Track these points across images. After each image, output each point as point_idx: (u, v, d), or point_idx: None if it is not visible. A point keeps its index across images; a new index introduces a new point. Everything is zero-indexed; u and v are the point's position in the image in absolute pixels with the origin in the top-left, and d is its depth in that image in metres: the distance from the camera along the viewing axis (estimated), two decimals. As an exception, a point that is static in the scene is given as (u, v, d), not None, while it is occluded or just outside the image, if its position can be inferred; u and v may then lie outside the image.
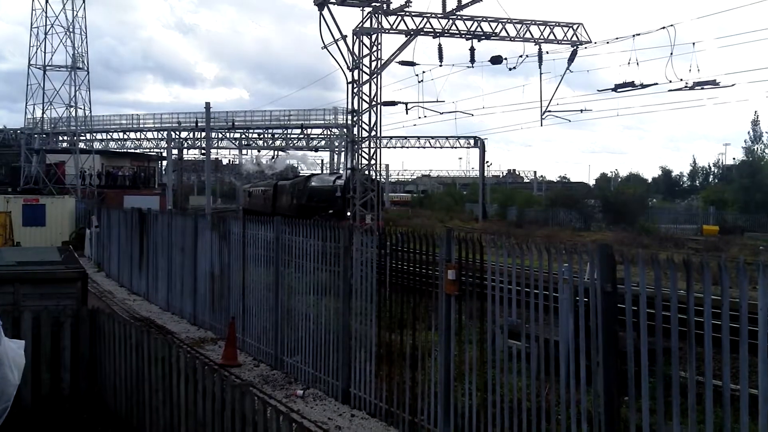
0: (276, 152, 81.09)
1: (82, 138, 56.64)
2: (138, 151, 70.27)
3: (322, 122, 68.22)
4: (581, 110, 31.46)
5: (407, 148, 69.65)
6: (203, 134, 57.88)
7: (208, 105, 50.48)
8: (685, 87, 26.14)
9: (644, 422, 5.98)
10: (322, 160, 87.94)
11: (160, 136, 70.10)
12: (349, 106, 26.31)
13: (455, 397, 8.35)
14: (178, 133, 67.54)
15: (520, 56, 30.80)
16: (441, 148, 68.13)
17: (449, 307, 8.49)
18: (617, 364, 6.36)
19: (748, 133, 78.44)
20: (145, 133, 72.33)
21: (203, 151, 62.45)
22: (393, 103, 35.73)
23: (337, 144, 68.33)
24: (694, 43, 26.60)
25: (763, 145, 76.35)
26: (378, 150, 26.19)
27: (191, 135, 68.83)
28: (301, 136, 68.94)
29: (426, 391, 8.80)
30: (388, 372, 9.58)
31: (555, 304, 7.09)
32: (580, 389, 6.64)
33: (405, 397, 9.15)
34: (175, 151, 68.76)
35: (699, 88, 26.01)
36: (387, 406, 9.52)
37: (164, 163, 69.24)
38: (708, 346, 5.47)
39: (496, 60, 30.11)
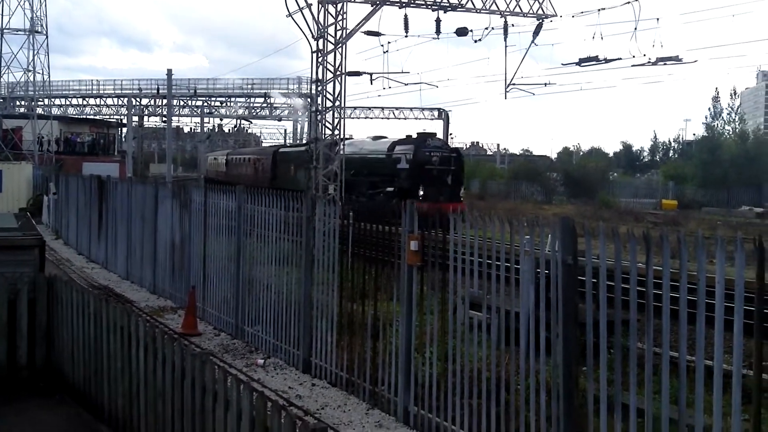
0: (239, 121, 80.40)
1: (39, 103, 55.57)
2: (97, 117, 69.14)
3: (286, 91, 67.64)
4: (545, 84, 31.54)
5: (371, 118, 69.41)
6: (164, 101, 57.11)
7: (169, 72, 49.83)
8: (648, 62, 26.27)
9: (602, 392, 6.05)
10: (285, 130, 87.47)
11: (120, 103, 68.97)
12: (314, 76, 26.06)
13: (416, 366, 8.39)
14: (138, 99, 66.53)
15: (486, 28, 30.72)
16: (405, 119, 67.94)
17: (411, 277, 8.51)
18: (576, 336, 6.42)
19: (709, 109, 79.31)
20: (104, 99, 71.11)
21: (164, 119, 61.73)
22: (358, 74, 35.50)
23: (300, 114, 67.86)
24: (658, 19, 26.60)
25: (723, 121, 77.29)
26: (342, 120, 26.00)
27: (152, 102, 67.84)
28: (265, 105, 68.35)
29: (387, 360, 8.83)
30: (350, 342, 9.59)
31: (516, 276, 7.13)
32: (539, 360, 6.70)
33: (366, 366, 9.17)
34: (135, 118, 67.83)
35: (662, 63, 26.17)
36: (348, 375, 9.55)
37: (124, 130, 68.26)
38: (666, 318, 5.53)
39: (462, 32, 29.98)
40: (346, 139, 39.83)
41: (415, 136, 35.85)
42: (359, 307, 9.47)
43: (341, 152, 37.27)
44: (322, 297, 10.19)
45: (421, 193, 31.02)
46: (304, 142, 47.44)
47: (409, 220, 8.51)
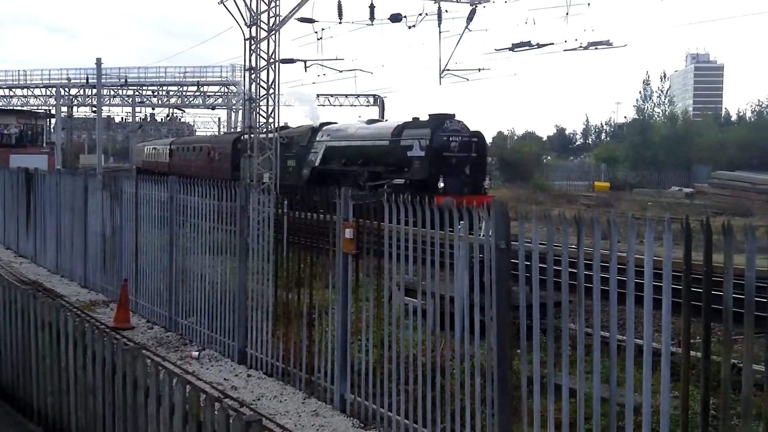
0: (171, 110, 79.11)
1: (-37, 94, 53.88)
2: (25, 108, 67.34)
3: (219, 79, 66.82)
4: (479, 69, 31.71)
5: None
6: (94, 91, 55.85)
7: (99, 61, 48.76)
8: (580, 47, 26.63)
9: (535, 374, 6.11)
10: (219, 119, 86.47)
11: (48, 93, 67.26)
12: (247, 64, 25.75)
13: (352, 354, 8.37)
14: (67, 89, 64.98)
15: (420, 14, 30.74)
16: (341, 106, 67.77)
17: (347, 265, 8.47)
18: (510, 319, 6.46)
19: (639, 92, 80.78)
20: (32, 89, 69.29)
21: (94, 109, 60.37)
22: (291, 61, 35.24)
23: (234, 102, 67.13)
24: (588, 3, 26.95)
25: (653, 104, 78.85)
26: (276, 108, 25.78)
27: (81, 92, 66.33)
28: (198, 93, 67.40)
29: (323, 349, 8.80)
30: (285, 331, 9.52)
31: (451, 261, 7.15)
32: (474, 344, 6.74)
33: (302, 355, 9.12)
34: (64, 109, 66.28)
35: (593, 48, 26.55)
36: (284, 365, 9.48)
37: (53, 121, 66.65)
38: (596, 299, 5.60)
39: (396, 18, 29.94)
40: (327, 124, 34.77)
41: (411, 119, 30.51)
42: (295, 295, 9.40)
43: (322, 139, 32.58)
44: (257, 286, 10.10)
45: (442, 185, 26.49)
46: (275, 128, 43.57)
47: (344, 207, 8.47)
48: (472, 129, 28.63)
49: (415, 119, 30.43)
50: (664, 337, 5.10)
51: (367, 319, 8.16)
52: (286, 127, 38.08)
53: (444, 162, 27.24)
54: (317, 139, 33.74)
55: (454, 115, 29.15)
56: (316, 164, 32.84)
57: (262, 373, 9.82)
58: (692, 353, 5.13)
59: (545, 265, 6.01)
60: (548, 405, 5.91)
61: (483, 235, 6.63)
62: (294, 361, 9.28)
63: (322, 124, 35.16)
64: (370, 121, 34.18)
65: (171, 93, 68.98)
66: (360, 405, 8.16)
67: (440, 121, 28.43)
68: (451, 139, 27.82)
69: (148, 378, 5.53)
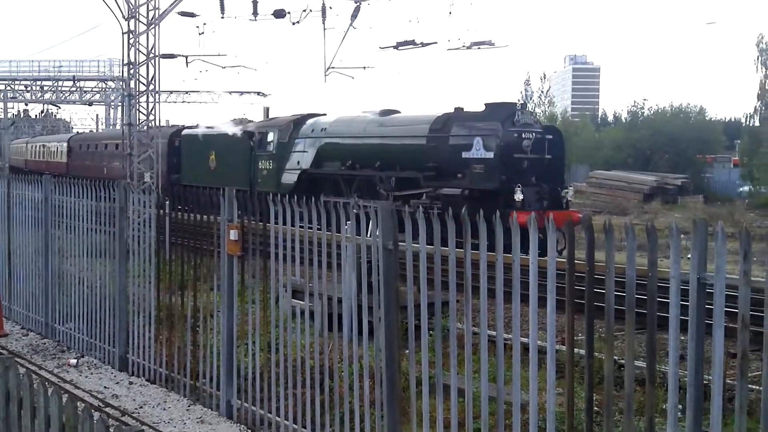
0: (46, 106, 76.06)
1: None
2: None
3: (97, 75, 64.65)
4: (364, 67, 31.79)
5: (188, 103, 67.68)
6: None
7: (-34, 53, 46.37)
8: (463, 46, 27.05)
9: (424, 374, 6.11)
10: (97, 115, 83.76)
11: None
12: (125, 59, 24.99)
13: (238, 358, 8.21)
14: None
15: (304, 11, 30.57)
16: (225, 103, 66.75)
17: (232, 267, 8.30)
18: (398, 319, 6.46)
19: (521, 92, 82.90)
20: None
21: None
22: (172, 56, 34.45)
23: (113, 98, 65.14)
24: (471, 2, 27.44)
25: (534, 104, 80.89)
26: (156, 104, 25.12)
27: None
28: (74, 89, 65.04)
29: (208, 354, 8.59)
30: (169, 336, 9.25)
31: (338, 262, 7.09)
32: (362, 345, 6.70)
33: (186, 361, 8.88)
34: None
35: (476, 47, 27.01)
36: (167, 371, 9.20)
37: None
38: (483, 298, 5.64)
39: (279, 14, 29.67)
40: (312, 116, 28.34)
41: (454, 109, 23.51)
42: (178, 299, 9.15)
43: (313, 135, 25.85)
44: (138, 290, 9.79)
45: (520, 197, 20.24)
46: (234, 119, 34.18)
47: (228, 208, 8.29)
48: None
49: (458, 109, 23.89)
50: (549, 336, 5.18)
51: (253, 322, 8.01)
52: (244, 120, 32.79)
53: (516, 166, 21.11)
54: (303, 134, 27.18)
55: (525, 104, 23.59)
56: (307, 167, 26.26)
57: (145, 380, 9.51)
58: (576, 350, 5.23)
59: (432, 265, 6.02)
60: (437, 405, 5.92)
61: (370, 237, 6.60)
62: (178, 367, 9.03)
63: (306, 116, 28.58)
64: (385, 112, 26.65)
65: (45, 88, 66.30)
66: (247, 410, 7.99)
67: (508, 112, 21.85)
68: (523, 135, 21.48)
69: (21, 389, 5.24)
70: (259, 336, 7.91)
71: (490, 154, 21.09)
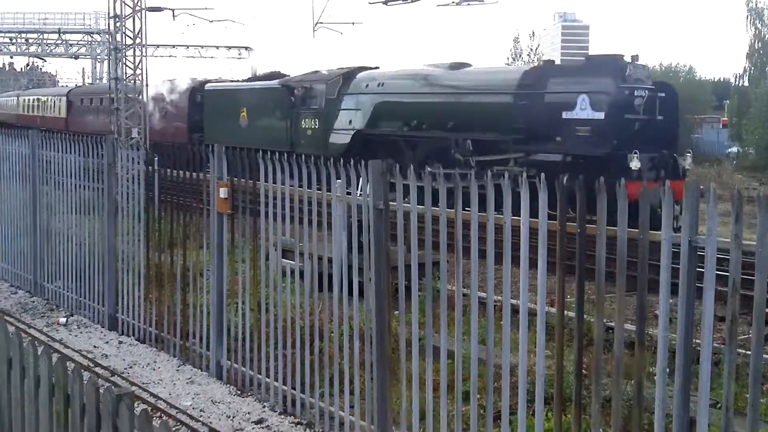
0: (31, 59, 75.07)
1: None
2: None
3: (83, 27, 63.74)
4: (353, 23, 31.52)
5: (175, 57, 66.92)
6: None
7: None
8: (453, 2, 26.77)
9: (413, 335, 6.13)
10: (83, 69, 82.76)
11: None
12: (111, 12, 24.65)
13: (228, 318, 8.20)
14: None
15: (293, -36, 30.07)
16: (212, 58, 66.04)
17: (221, 225, 8.26)
18: (389, 280, 6.45)
19: (510, 49, 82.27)
20: None
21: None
22: (159, 9, 34.03)
23: (99, 52, 64.31)
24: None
25: (523, 62, 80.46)
26: (144, 59, 24.82)
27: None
28: (59, 41, 64.15)
29: (197, 313, 8.58)
30: (158, 295, 9.23)
31: (329, 221, 7.06)
32: (352, 306, 6.70)
33: (176, 320, 8.88)
34: None
35: (465, 3, 26.73)
36: (157, 331, 9.20)
37: None
38: (474, 259, 5.63)
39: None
40: (363, 69, 25.49)
41: (542, 61, 21.59)
42: (168, 257, 9.11)
43: (366, 90, 23.20)
44: (128, 248, 9.74)
45: (637, 164, 17.63)
46: (259, 75, 32.51)
47: (217, 165, 8.22)
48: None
49: (549, 62, 21.79)
50: (540, 298, 5.19)
51: (243, 282, 7.99)
52: (278, 74, 30.08)
53: (629, 129, 18.38)
54: (355, 89, 24.12)
55: (636, 56, 19.30)
56: (361, 126, 23.39)
57: (134, 339, 9.51)
58: (566, 313, 5.23)
59: (423, 225, 6.00)
60: (426, 367, 5.94)
61: (361, 196, 6.56)
62: (168, 327, 9.02)
63: (357, 69, 25.42)
64: (456, 66, 23.22)
65: (30, 41, 65.36)
66: (237, 371, 7.99)
67: (617, 65, 18.90)
68: (635, 93, 18.54)
69: (11, 347, 5.22)
70: (249, 296, 7.90)
71: (600, 115, 18.23)
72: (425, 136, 21.78)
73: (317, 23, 30.54)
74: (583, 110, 18.35)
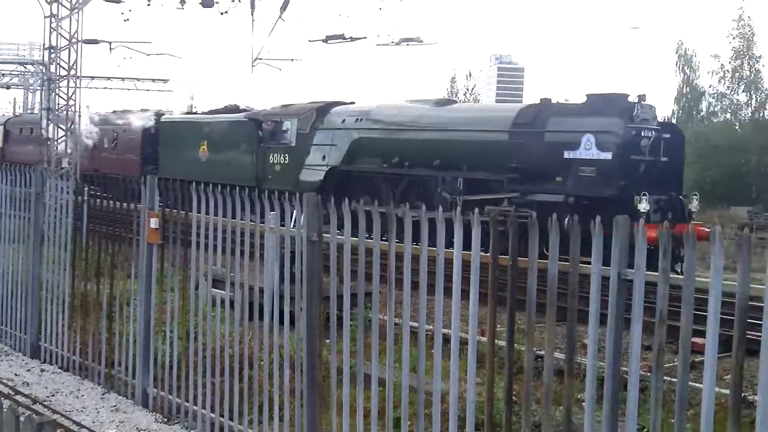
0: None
1: None
2: None
3: (16, 57, 62.66)
4: (292, 59, 31.66)
5: (111, 89, 66.11)
6: None
7: None
8: (392, 42, 27.16)
9: (345, 364, 6.09)
10: (15, 99, 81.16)
11: None
12: (46, 43, 24.32)
13: (155, 347, 8.05)
14: None
15: (233, 0, 30.19)
16: (148, 91, 65.44)
17: (151, 255, 8.13)
18: (321, 309, 6.42)
19: (447, 89, 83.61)
20: None
21: None
22: (95, 41, 33.66)
23: (32, 82, 63.20)
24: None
25: (459, 101, 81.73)
26: (78, 90, 24.48)
27: None
28: (-10, 72, 62.85)
29: (124, 342, 8.40)
30: (83, 324, 9.02)
31: (261, 251, 7.02)
32: (283, 334, 6.65)
33: (101, 348, 8.67)
34: None
35: (404, 44, 27.13)
36: (81, 359, 8.97)
37: None
38: (406, 290, 5.65)
39: (207, 3, 29.26)
40: (337, 104, 24.65)
41: (539, 100, 20.12)
42: (94, 286, 8.93)
43: (344, 126, 22.30)
44: (53, 276, 9.53)
45: (646, 206, 16.95)
46: (219, 108, 30.66)
47: (149, 195, 8.12)
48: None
49: (545, 100, 20.17)
50: (471, 327, 5.22)
51: (171, 311, 7.87)
52: (236, 109, 28.85)
53: (634, 170, 17.78)
54: (327, 125, 23.19)
55: (643, 95, 18.66)
56: (336, 163, 22.40)
57: (57, 367, 9.25)
58: (497, 342, 5.28)
59: (356, 256, 6.01)
60: (357, 395, 5.90)
61: (294, 228, 6.55)
62: (93, 355, 8.80)
63: (331, 104, 24.64)
64: (442, 102, 23.19)
65: (-40, 70, 63.91)
66: (164, 399, 7.83)
67: (624, 105, 18.24)
68: (642, 134, 17.98)
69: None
70: (178, 324, 7.77)
71: (607, 155, 17.52)
72: (408, 174, 21.10)
73: (256, 59, 30.58)
74: (588, 150, 17.81)
